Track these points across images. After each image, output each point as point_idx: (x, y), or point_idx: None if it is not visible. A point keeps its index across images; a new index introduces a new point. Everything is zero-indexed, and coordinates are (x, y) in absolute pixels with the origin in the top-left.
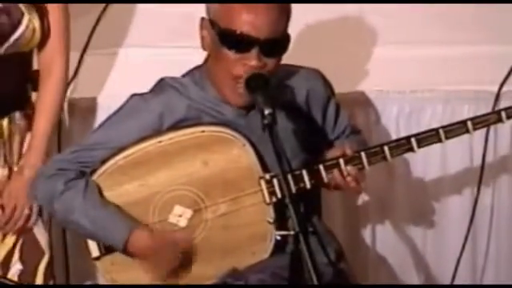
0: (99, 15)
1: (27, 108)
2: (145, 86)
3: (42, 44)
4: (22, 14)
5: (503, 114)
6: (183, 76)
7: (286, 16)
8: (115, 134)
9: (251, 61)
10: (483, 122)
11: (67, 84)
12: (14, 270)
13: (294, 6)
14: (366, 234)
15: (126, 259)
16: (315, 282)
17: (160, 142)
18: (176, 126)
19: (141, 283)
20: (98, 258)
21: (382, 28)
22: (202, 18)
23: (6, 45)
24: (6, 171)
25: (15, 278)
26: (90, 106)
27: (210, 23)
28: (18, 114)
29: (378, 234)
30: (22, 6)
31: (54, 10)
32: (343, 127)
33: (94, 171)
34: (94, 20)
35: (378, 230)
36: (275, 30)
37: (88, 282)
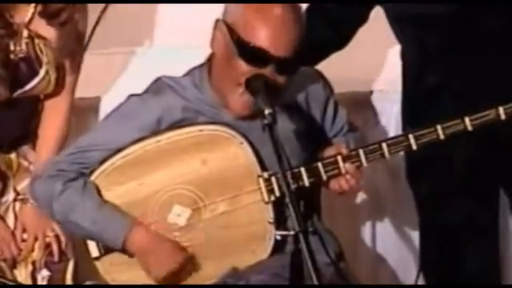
0: (99, 15)
1: (35, 140)
2: (144, 87)
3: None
4: (41, 65)
5: (501, 111)
6: (183, 76)
7: (302, 34)
8: (113, 136)
9: None
10: (481, 118)
11: None
12: (42, 276)
13: None
14: (366, 233)
15: (126, 260)
16: (315, 281)
17: (158, 141)
18: (174, 126)
19: (141, 284)
20: (97, 259)
21: (382, 28)
22: (217, 20)
23: (20, 91)
24: (18, 203)
25: (44, 283)
26: (90, 106)
27: (227, 28)
28: (25, 147)
29: (378, 233)
30: (43, 56)
31: (70, 62)
32: (341, 125)
33: (92, 171)
34: (93, 20)
35: (378, 230)
36: (293, 49)
37: (88, 282)
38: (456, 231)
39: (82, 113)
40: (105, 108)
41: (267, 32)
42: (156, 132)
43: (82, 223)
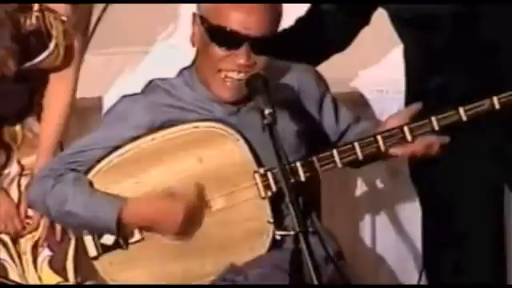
0: (99, 15)
1: (40, 112)
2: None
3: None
4: (50, 38)
5: (495, 101)
6: (174, 77)
7: (278, 15)
8: (109, 135)
9: (239, 58)
10: (476, 108)
11: None
12: (43, 256)
13: (295, 6)
14: (366, 233)
15: (126, 259)
16: (315, 281)
17: (153, 139)
18: (167, 125)
19: (140, 283)
20: (95, 258)
21: (382, 28)
22: (194, 14)
23: (29, 64)
24: (24, 179)
25: (45, 263)
26: (91, 106)
27: (200, 19)
28: (30, 119)
29: (377, 233)
30: (53, 29)
31: (80, 37)
32: (347, 124)
33: (89, 170)
34: (94, 20)
35: (378, 230)
36: (265, 28)
37: (88, 282)
38: (459, 230)
39: (83, 113)
40: (104, 108)
41: (236, 14)
42: (151, 130)
43: (75, 211)
